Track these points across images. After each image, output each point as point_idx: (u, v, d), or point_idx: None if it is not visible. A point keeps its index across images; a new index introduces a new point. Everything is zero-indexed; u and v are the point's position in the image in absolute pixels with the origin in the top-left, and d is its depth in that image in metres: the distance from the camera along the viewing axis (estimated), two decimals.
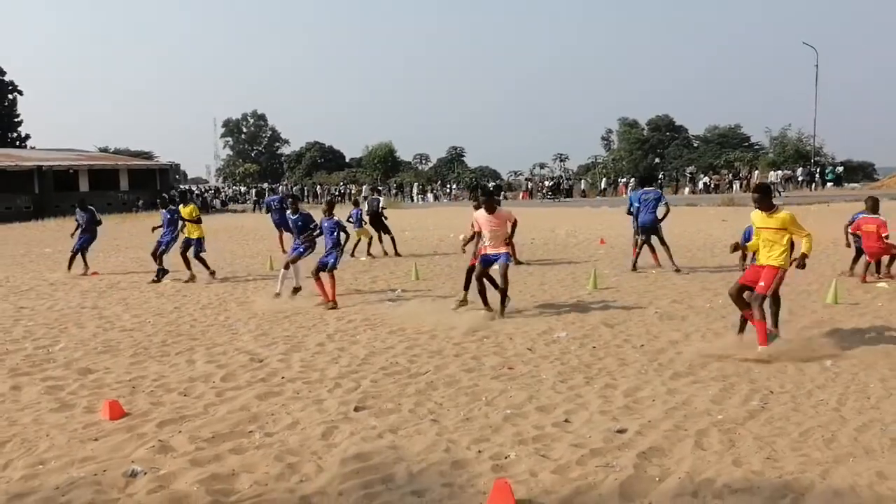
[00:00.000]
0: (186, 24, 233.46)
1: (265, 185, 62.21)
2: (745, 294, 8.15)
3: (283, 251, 20.10)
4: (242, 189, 76.84)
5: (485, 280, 10.80)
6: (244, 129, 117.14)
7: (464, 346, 8.74)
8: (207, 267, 15.41)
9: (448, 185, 73.12)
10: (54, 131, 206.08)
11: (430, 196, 64.15)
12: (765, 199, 8.08)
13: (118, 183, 53.77)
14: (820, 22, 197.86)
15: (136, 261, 19.57)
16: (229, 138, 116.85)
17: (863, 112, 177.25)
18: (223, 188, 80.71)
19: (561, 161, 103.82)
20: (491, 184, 53.77)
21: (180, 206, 15.70)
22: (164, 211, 15.97)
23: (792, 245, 8.21)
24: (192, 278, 15.03)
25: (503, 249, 10.69)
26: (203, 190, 71.42)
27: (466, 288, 11.14)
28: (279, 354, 8.53)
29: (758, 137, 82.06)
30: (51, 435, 5.90)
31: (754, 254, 8.78)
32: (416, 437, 5.71)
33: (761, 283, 7.98)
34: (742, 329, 8.40)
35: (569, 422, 6.01)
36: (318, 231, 12.60)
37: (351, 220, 18.61)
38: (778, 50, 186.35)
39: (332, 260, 11.93)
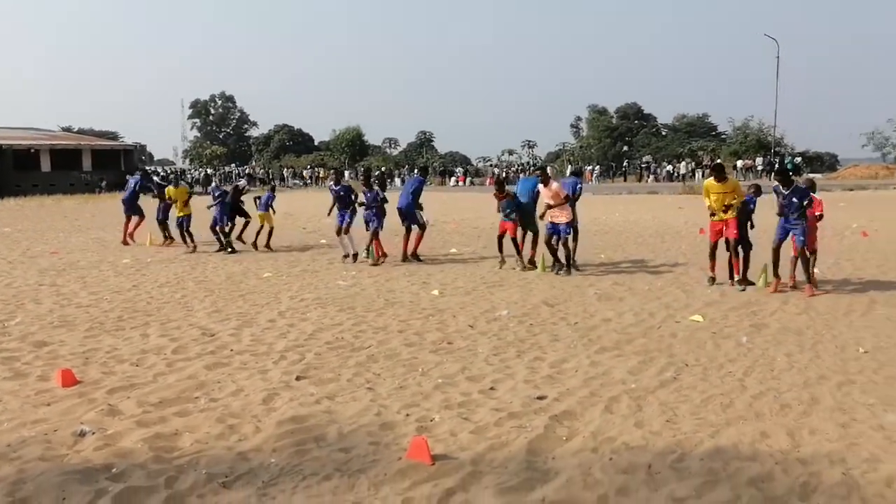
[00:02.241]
0: (155, 5, 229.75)
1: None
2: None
3: (127, 240, 18.64)
4: (209, 171, 76.38)
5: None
6: (212, 111, 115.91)
7: (409, 323, 9.18)
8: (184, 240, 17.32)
9: (415, 171, 73.28)
10: (16, 110, 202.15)
11: (397, 181, 64.35)
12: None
13: (81, 163, 53.25)
14: (798, 13, 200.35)
15: (97, 241, 19.69)
16: (197, 120, 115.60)
17: (829, 105, 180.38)
18: (190, 170, 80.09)
19: (529, 147, 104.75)
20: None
21: (169, 187, 17.92)
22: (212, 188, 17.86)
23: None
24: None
25: (563, 219, 12.60)
26: (169, 172, 70.85)
27: (500, 251, 13.89)
28: (231, 329, 8.91)
29: (725, 127, 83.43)
30: (4, 400, 6.23)
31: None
32: (350, 403, 6.15)
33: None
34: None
35: (494, 389, 6.49)
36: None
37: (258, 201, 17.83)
38: (747, 39, 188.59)
39: (375, 224, 14.67)
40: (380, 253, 14.77)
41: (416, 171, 20.95)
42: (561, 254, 13.02)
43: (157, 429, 5.54)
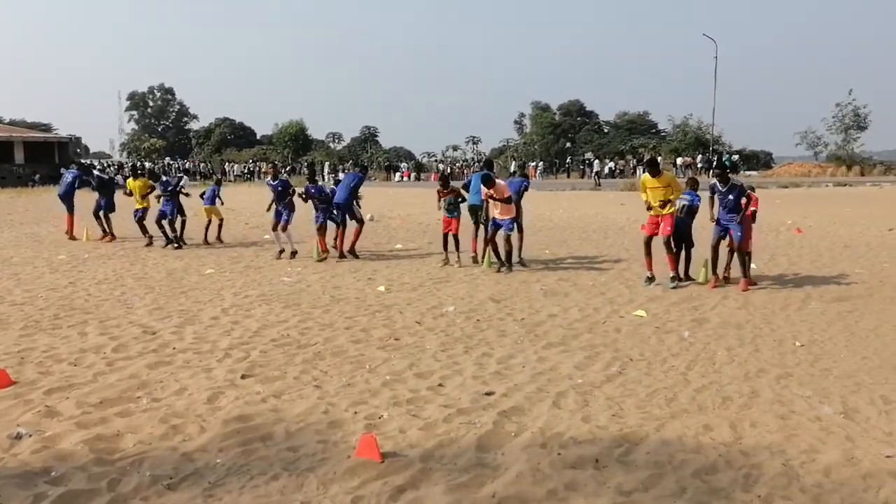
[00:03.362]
0: None
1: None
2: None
3: (72, 236, 18.22)
4: (147, 164, 74.67)
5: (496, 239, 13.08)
6: (150, 103, 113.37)
7: (355, 320, 9.12)
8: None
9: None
10: None
11: (341, 175, 63.95)
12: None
13: (13, 156, 51.51)
14: (736, 14, 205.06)
15: (30, 236, 19.08)
16: (134, 112, 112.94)
17: (764, 104, 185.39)
18: (127, 163, 78.16)
19: (474, 143, 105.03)
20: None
21: (129, 179, 17.67)
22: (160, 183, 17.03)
23: None
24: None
25: (507, 216, 12.58)
26: (105, 165, 68.99)
27: (445, 249, 13.77)
28: (173, 327, 8.72)
29: (665, 125, 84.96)
30: None
31: None
32: (298, 401, 6.08)
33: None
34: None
35: (442, 386, 6.49)
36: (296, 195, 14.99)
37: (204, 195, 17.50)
38: (687, 39, 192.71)
39: (321, 219, 14.68)
40: (324, 248, 14.66)
41: (355, 166, 20.84)
42: (502, 250, 12.97)
43: (98, 430, 5.39)
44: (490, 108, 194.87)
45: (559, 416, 5.71)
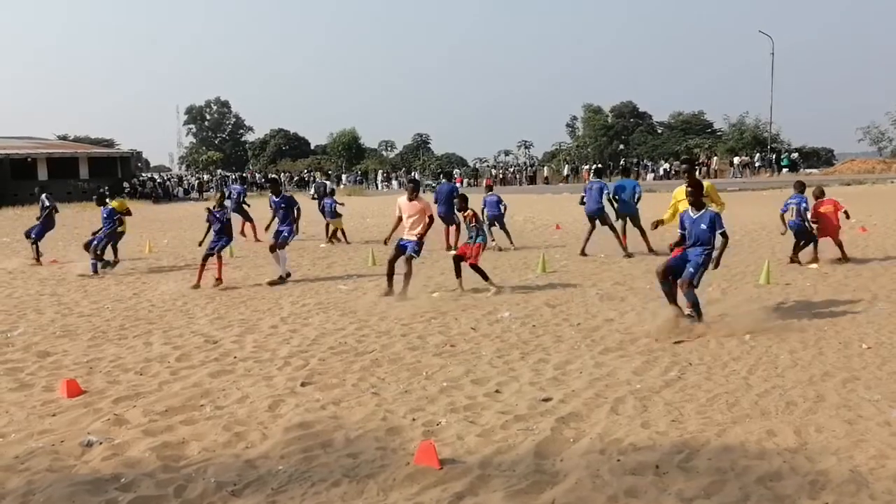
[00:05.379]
0: (147, 10, 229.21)
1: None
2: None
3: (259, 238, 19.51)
4: (205, 177, 76.43)
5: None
6: (207, 117, 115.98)
7: (411, 327, 9.18)
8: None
9: (413, 172, 73.51)
10: (11, 119, 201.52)
11: (394, 183, 64.43)
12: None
13: (78, 171, 53.17)
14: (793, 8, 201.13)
15: None
16: (192, 125, 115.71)
17: (825, 100, 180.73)
18: (186, 176, 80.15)
19: (526, 148, 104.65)
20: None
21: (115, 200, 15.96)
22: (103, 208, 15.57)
23: None
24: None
25: (414, 237, 11.32)
26: (165, 178, 70.84)
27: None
28: (233, 336, 8.90)
29: (721, 124, 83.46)
30: (10, 412, 6.23)
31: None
32: (356, 408, 6.15)
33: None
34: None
35: (499, 392, 6.50)
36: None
37: (325, 209, 19.37)
38: (742, 35, 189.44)
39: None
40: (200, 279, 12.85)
41: (444, 176, 21.97)
42: (403, 273, 11.14)
43: (164, 437, 5.54)
44: (541, 112, 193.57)
45: (618, 422, 5.67)
